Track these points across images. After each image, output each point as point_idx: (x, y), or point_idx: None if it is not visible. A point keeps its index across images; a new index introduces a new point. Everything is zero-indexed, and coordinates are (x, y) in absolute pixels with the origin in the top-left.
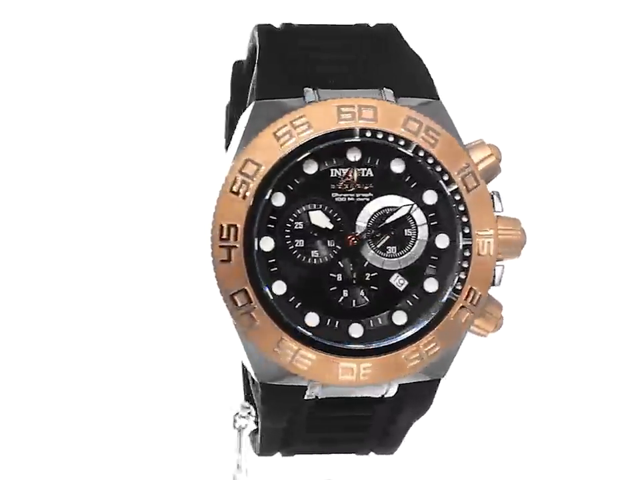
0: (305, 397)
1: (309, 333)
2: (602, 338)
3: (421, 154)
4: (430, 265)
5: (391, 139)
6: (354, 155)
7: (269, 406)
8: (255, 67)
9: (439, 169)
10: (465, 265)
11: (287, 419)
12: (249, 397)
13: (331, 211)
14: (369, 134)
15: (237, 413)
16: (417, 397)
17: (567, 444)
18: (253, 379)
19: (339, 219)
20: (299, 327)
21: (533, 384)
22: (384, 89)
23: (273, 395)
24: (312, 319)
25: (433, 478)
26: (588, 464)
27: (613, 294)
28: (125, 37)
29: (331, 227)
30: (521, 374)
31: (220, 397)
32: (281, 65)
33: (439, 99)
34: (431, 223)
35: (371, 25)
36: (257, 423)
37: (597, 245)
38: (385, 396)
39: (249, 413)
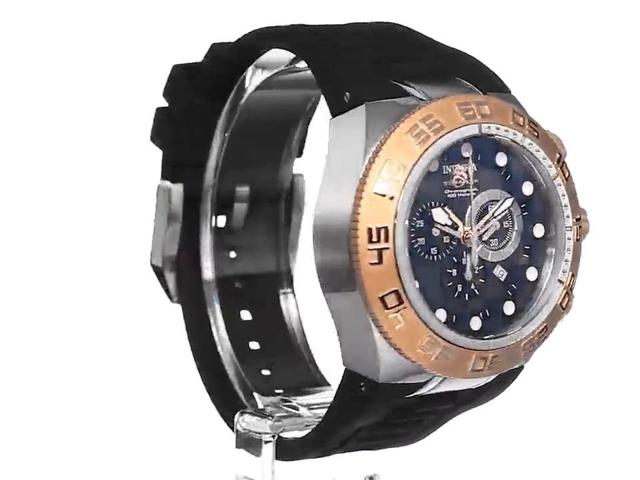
0: (411, 394)
1: (447, 329)
2: None
3: (530, 146)
4: (524, 255)
5: (506, 133)
6: (467, 151)
7: (375, 406)
8: (323, 70)
9: (544, 161)
10: (568, 252)
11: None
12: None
13: (446, 208)
14: (488, 129)
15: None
16: (499, 385)
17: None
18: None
19: (452, 215)
20: (440, 324)
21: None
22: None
23: (385, 395)
24: (441, 315)
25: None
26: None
27: None
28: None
29: (450, 223)
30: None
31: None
32: (354, 65)
33: (510, 92)
34: (524, 214)
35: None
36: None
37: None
38: (477, 386)
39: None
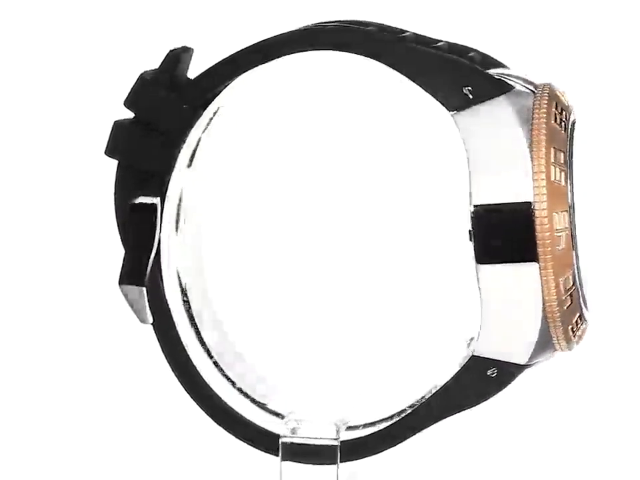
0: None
1: (584, 307)
2: None
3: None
4: None
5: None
6: None
7: (497, 390)
8: (425, 69)
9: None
10: None
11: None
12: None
13: None
14: (574, 113)
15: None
16: None
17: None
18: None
19: None
20: (584, 303)
21: None
22: None
23: (513, 377)
24: None
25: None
26: None
27: None
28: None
29: None
30: None
31: None
32: (446, 61)
33: None
34: None
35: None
36: None
37: None
38: None
39: None
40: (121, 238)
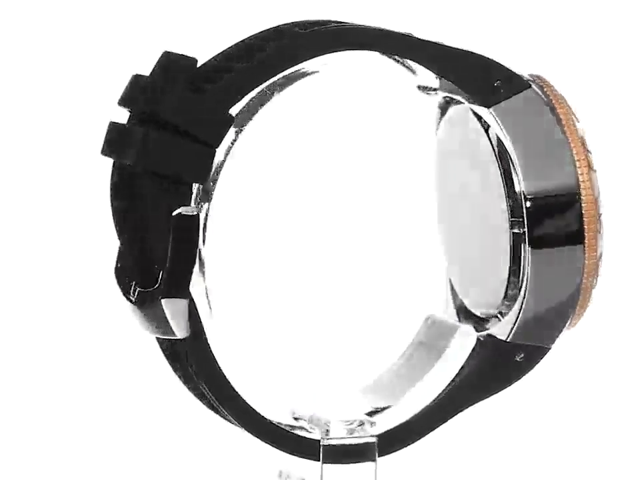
0: None
1: None
2: None
3: None
4: None
5: None
6: None
7: (523, 375)
8: (456, 65)
9: None
10: None
11: None
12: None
13: None
14: None
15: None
16: None
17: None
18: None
19: None
20: None
21: None
22: None
23: (539, 361)
24: None
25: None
26: None
27: None
28: None
29: None
30: None
31: None
32: (467, 56)
33: None
34: None
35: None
36: None
37: None
38: None
39: None
40: (145, 247)
